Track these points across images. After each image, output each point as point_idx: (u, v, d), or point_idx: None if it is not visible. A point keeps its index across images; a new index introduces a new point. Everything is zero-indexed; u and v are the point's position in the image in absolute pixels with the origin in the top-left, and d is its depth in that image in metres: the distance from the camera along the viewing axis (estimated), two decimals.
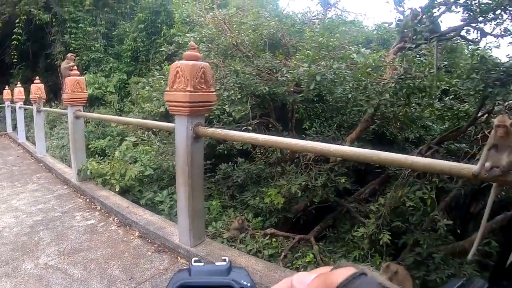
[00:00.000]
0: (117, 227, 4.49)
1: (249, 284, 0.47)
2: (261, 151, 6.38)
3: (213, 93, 3.55)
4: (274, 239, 5.62)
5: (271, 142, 3.65)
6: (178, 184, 3.66)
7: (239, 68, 6.07)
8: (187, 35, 8.11)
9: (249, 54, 6.47)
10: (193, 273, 0.47)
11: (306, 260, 5.30)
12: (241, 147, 6.32)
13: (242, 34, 6.96)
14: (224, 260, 0.49)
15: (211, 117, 6.42)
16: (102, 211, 5.05)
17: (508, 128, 2.17)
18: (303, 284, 0.39)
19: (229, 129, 6.16)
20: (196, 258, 0.51)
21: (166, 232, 4.00)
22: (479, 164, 2.30)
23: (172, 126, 3.72)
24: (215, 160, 6.80)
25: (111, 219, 4.75)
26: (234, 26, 7.36)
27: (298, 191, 5.26)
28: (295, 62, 5.62)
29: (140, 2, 14.96)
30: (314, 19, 9.67)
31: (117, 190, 5.63)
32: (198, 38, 7.45)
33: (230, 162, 6.63)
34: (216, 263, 0.48)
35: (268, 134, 6.10)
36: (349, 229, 5.52)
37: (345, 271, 0.36)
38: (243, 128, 5.89)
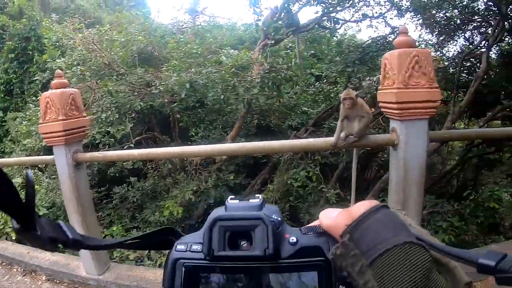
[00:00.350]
0: (23, 276, 4.24)
1: (279, 219, 0.48)
2: (152, 166, 6.27)
3: (86, 118, 3.52)
4: None
5: (145, 155, 3.71)
6: (69, 215, 3.54)
7: (111, 88, 5.90)
8: (58, 60, 7.65)
9: (121, 71, 6.30)
10: (229, 209, 0.49)
11: None
12: (132, 167, 6.14)
13: (112, 53, 6.74)
14: (258, 198, 0.50)
15: (96, 141, 6.14)
16: (4, 264, 4.65)
17: (353, 99, 2.44)
18: (330, 218, 0.41)
19: (113, 151, 5.97)
20: (232, 196, 0.52)
21: (72, 268, 3.90)
22: (335, 135, 2.58)
23: (52, 158, 3.58)
24: (109, 185, 6.49)
25: (15, 269, 4.44)
26: (104, 45, 7.10)
27: (191, 196, 5.34)
28: (166, 73, 5.62)
29: (8, 29, 13.54)
30: (183, 28, 9.75)
31: (14, 238, 5.22)
32: (69, 62, 7.06)
33: (124, 184, 6.38)
34: (250, 200, 0.50)
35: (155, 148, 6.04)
36: None
37: (368, 203, 0.37)
38: (125, 147, 5.74)
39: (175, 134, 6.23)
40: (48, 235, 0.39)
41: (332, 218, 0.40)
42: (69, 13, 12.65)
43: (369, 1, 7.27)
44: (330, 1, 6.45)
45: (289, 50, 6.51)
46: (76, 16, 9.90)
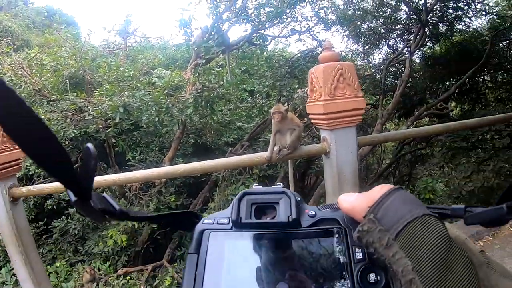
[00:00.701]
0: None
1: (299, 198, 0.50)
2: None
3: (19, 149, 3.31)
4: (129, 277, 5.50)
5: None
6: (11, 255, 3.26)
7: (43, 116, 5.69)
8: None
9: (53, 98, 6.09)
10: (254, 189, 0.52)
11: (166, 285, 5.31)
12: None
13: (43, 78, 6.49)
14: (280, 184, 0.53)
15: (30, 173, 5.85)
16: None
17: (282, 113, 2.56)
18: (349, 202, 0.43)
19: (50, 182, 5.71)
20: (256, 184, 0.55)
21: None
22: (269, 149, 2.66)
23: None
24: (48, 218, 6.18)
25: None
26: (34, 70, 6.81)
27: (134, 222, 5.22)
28: (99, 98, 5.53)
29: None
30: (115, 50, 9.60)
31: None
32: None
33: (63, 216, 6.10)
34: (273, 186, 0.53)
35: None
36: None
37: (384, 187, 0.40)
38: None
39: (112, 160, 6.09)
40: (98, 207, 0.40)
41: (351, 201, 0.43)
42: None
43: (297, 17, 7.69)
44: (260, 19, 6.73)
45: (220, 68, 6.65)
46: (4, 39, 9.42)
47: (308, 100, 2.72)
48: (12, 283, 5.16)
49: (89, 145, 0.38)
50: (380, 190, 0.40)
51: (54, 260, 5.93)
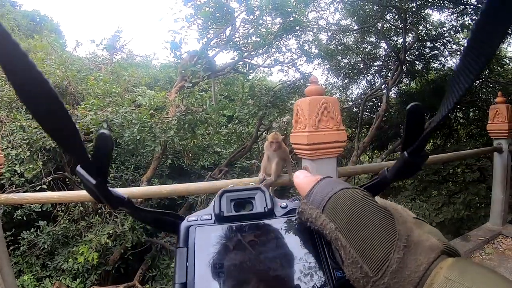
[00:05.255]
0: None
1: (272, 194, 0.54)
2: (62, 209, 5.97)
3: (0, 155, 3.22)
4: None
5: (66, 198, 3.44)
6: None
7: (25, 123, 5.63)
8: None
9: None
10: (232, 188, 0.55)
11: None
12: (40, 209, 5.80)
13: None
14: (253, 184, 0.57)
15: (2, 181, 5.72)
16: None
17: (280, 143, 2.65)
18: (297, 180, 0.51)
19: (23, 191, 5.61)
20: (231, 185, 0.57)
21: None
22: (260, 175, 2.74)
23: None
24: (16, 229, 5.98)
25: None
26: None
27: (108, 240, 5.16)
28: (82, 111, 5.55)
29: None
30: (100, 64, 9.69)
31: None
32: None
33: (32, 228, 5.95)
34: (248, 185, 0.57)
35: (66, 189, 5.83)
36: (169, 263, 5.71)
37: (318, 177, 0.48)
38: (38, 188, 5.48)
39: None
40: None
41: (298, 182, 0.51)
42: None
43: (281, 48, 8.03)
44: (247, 47, 6.99)
45: (203, 92, 6.79)
46: None
47: (293, 130, 2.82)
48: None
49: (104, 130, 0.37)
50: (315, 180, 0.49)
51: (20, 274, 5.73)
